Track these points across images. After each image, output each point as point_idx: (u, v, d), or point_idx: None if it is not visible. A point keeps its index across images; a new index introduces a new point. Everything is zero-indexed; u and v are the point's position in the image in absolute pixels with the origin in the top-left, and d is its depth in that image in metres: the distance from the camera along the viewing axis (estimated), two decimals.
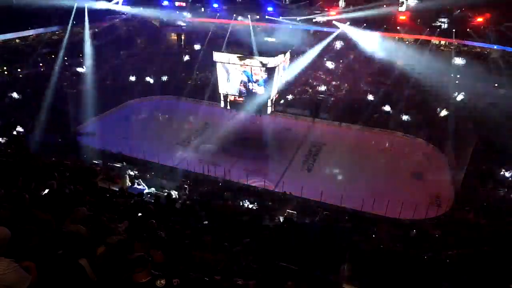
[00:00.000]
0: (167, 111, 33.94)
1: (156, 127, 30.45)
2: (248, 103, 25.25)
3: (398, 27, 31.99)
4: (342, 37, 33.92)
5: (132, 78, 34.72)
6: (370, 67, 33.44)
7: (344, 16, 32.27)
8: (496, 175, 21.31)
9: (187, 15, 35.94)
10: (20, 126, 24.47)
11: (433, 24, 31.18)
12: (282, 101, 28.22)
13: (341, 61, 35.18)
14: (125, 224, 6.20)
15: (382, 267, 7.08)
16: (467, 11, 30.52)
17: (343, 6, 34.70)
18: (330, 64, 35.11)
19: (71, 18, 30.53)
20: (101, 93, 30.07)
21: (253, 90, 24.32)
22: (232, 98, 25.51)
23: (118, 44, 36.24)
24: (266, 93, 24.14)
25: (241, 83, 24.34)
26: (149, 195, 13.67)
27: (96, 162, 21.05)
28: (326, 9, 33.47)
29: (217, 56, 24.13)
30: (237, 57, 23.38)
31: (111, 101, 32.20)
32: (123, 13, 36.72)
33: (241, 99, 25.17)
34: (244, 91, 24.65)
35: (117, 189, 11.71)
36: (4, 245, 3.33)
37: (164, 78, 35.58)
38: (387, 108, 30.39)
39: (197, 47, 38.12)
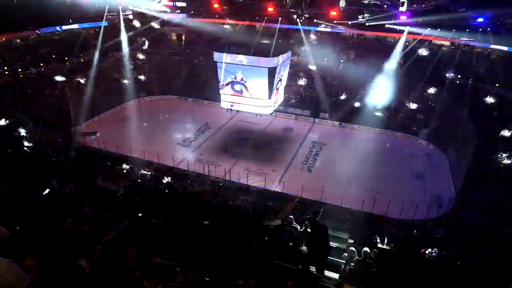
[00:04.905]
0: (167, 111, 33.93)
1: (156, 127, 30.42)
2: (248, 103, 25.26)
3: None
4: None
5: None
6: None
7: None
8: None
9: None
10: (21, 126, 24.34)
11: None
12: (282, 101, 28.23)
13: None
14: (125, 224, 6.19)
15: (383, 267, 7.07)
16: None
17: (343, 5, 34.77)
18: None
19: None
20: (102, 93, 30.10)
21: (253, 90, 24.32)
22: (232, 98, 25.49)
23: None
24: (267, 93, 24.12)
25: (241, 83, 24.32)
26: None
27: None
28: None
29: (217, 56, 24.12)
30: (238, 57, 23.38)
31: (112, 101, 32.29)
32: None
33: (241, 99, 25.14)
34: (244, 91, 24.63)
35: (120, 189, 11.64)
36: (2, 244, 3.32)
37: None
38: None
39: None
